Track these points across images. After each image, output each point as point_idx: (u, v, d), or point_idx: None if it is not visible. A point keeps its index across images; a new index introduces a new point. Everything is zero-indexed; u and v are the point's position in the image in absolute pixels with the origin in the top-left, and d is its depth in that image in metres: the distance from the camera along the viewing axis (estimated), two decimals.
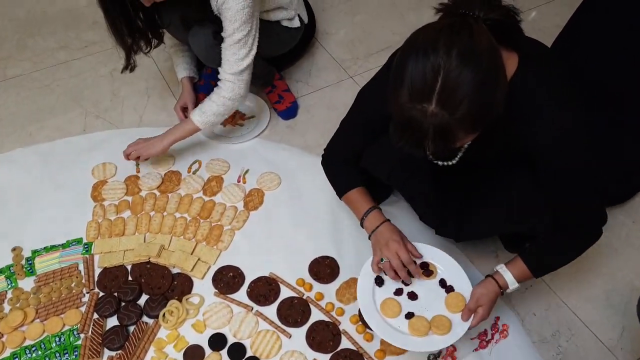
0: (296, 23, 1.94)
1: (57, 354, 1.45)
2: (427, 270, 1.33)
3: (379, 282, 1.34)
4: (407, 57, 0.86)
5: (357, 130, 1.39)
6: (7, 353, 1.45)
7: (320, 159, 1.61)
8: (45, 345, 1.47)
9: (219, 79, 1.61)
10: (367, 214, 1.30)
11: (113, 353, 1.47)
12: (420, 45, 0.85)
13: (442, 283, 1.32)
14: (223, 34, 1.63)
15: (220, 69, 1.60)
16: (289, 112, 2.08)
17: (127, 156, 1.77)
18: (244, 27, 1.52)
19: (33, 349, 1.46)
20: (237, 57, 1.54)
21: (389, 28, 2.49)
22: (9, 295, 1.52)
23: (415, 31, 0.94)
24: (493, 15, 0.85)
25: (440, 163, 1.19)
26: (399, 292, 1.32)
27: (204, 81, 2.11)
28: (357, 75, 2.26)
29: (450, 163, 1.17)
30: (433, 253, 1.34)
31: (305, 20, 2.02)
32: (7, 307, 1.52)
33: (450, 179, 1.30)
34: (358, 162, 1.36)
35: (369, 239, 1.31)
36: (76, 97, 2.17)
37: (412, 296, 1.31)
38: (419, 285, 1.33)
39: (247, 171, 1.91)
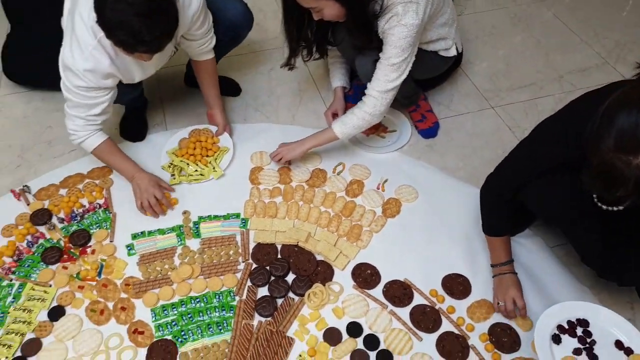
0: (452, 52, 2.08)
1: (217, 309, 1.66)
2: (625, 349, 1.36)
3: (557, 340, 1.40)
4: (619, 109, 0.93)
5: (526, 166, 1.43)
6: (176, 299, 1.69)
7: (460, 182, 1.89)
8: (207, 299, 1.71)
9: (364, 93, 1.73)
10: (503, 264, 1.52)
11: (263, 319, 1.64)
12: (635, 102, 0.92)
13: (619, 345, 1.36)
14: (381, 54, 1.79)
15: (369, 85, 1.71)
16: (430, 131, 2.23)
17: (273, 158, 2.02)
18: (402, 54, 1.63)
19: (197, 300, 1.70)
20: (387, 78, 1.66)
21: (533, 66, 2.58)
22: (179, 250, 1.75)
23: (621, 83, 1.03)
24: None
25: (608, 208, 1.27)
26: (577, 351, 1.37)
27: (354, 91, 2.29)
28: (498, 107, 2.36)
29: (618, 208, 1.26)
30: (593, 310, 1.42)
31: (460, 49, 2.14)
32: (177, 260, 1.75)
33: (616, 223, 1.37)
34: (514, 196, 1.44)
35: (493, 277, 1.55)
36: None
37: (592, 357, 1.35)
38: (599, 347, 1.37)
39: (386, 180, 2.07)
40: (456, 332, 1.54)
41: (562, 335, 1.40)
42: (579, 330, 1.40)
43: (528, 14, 2.77)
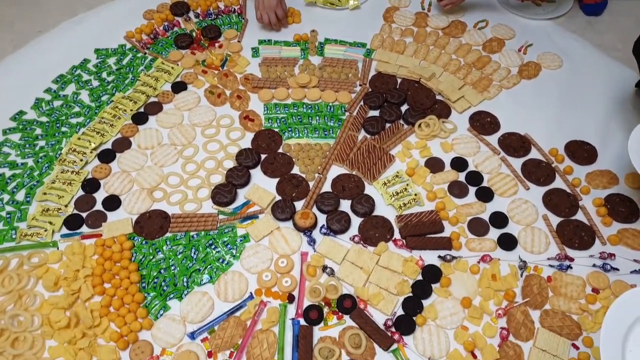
0: None
1: (326, 117, 1.70)
2: None
3: None
4: None
5: None
6: (289, 101, 1.76)
7: (614, 62, 1.81)
8: (319, 107, 1.77)
9: None
10: None
11: (369, 136, 1.69)
12: None
13: None
14: None
15: None
16: (597, 8, 2.08)
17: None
18: None
19: (309, 106, 1.77)
20: None
21: None
22: (300, 62, 1.81)
23: None
24: None
25: None
26: None
27: None
28: None
29: None
30: None
31: None
32: (297, 70, 1.80)
33: None
34: None
35: None
36: None
37: None
38: None
39: (530, 44, 1.97)
40: (568, 190, 1.47)
41: None
42: None
43: None
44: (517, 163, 1.56)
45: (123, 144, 1.63)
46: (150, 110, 1.76)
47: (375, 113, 1.76)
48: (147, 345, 1.22)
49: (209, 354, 1.21)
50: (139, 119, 1.70)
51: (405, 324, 1.24)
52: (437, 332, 1.24)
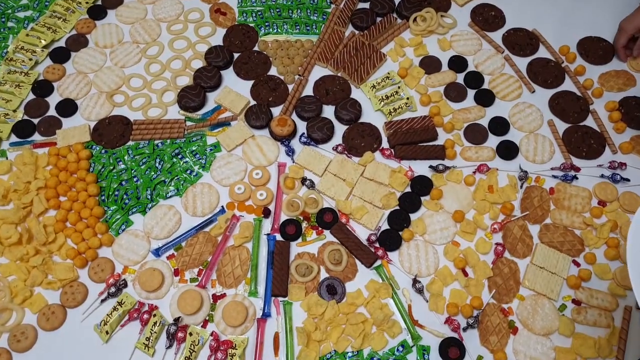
0: None
1: (309, 10, 1.56)
2: None
3: None
4: None
5: None
6: None
7: None
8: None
9: None
10: None
11: (357, 31, 1.52)
12: None
13: None
14: None
15: None
16: None
17: None
18: None
19: None
20: None
21: None
22: None
23: None
24: None
25: None
26: None
27: None
28: None
29: None
30: None
31: None
32: None
33: None
34: None
35: None
36: None
37: None
38: None
39: None
40: (578, 93, 1.35)
41: None
42: None
43: None
44: (522, 63, 1.43)
45: (78, 41, 1.49)
46: (110, 3, 1.59)
47: (365, 5, 1.58)
48: (107, 263, 1.14)
49: (176, 272, 1.14)
50: (96, 12, 1.55)
51: (391, 239, 1.16)
52: (425, 248, 1.16)
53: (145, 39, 1.48)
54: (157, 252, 1.15)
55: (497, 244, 1.16)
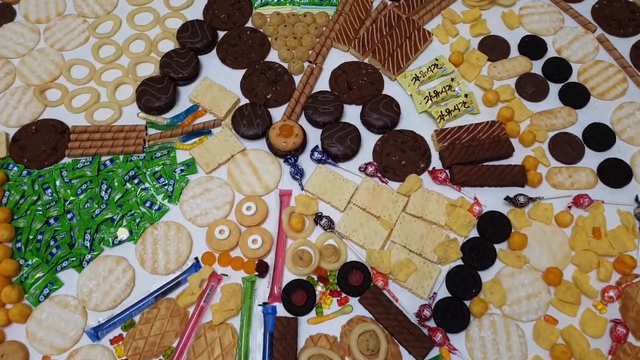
0: None
1: None
2: None
3: None
4: None
5: None
6: None
7: None
8: None
9: None
10: None
11: (389, 2, 1.24)
12: None
13: None
14: None
15: None
16: None
17: None
18: None
19: None
20: None
21: None
22: None
23: None
24: None
25: None
26: None
27: None
28: None
29: None
30: None
31: None
32: None
33: None
34: None
35: None
36: None
37: None
38: None
39: None
40: None
41: None
42: None
43: None
44: (624, 45, 1.17)
45: (3, 13, 1.21)
46: None
47: None
48: (17, 351, 0.85)
49: None
50: None
51: (453, 315, 0.88)
52: (505, 328, 0.87)
53: (95, 11, 1.22)
54: (96, 333, 0.86)
55: (614, 320, 0.87)
